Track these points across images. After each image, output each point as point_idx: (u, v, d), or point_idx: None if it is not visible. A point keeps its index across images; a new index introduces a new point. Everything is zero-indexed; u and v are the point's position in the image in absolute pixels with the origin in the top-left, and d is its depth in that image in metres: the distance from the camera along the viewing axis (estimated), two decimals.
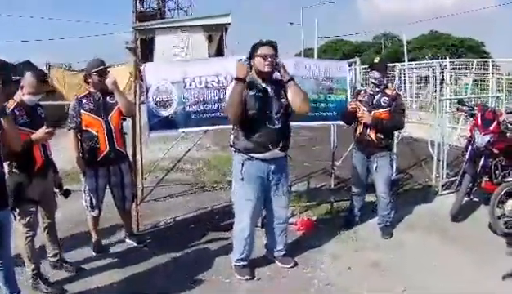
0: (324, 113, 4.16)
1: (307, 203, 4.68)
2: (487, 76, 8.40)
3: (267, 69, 2.89)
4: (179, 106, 3.71)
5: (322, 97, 4.12)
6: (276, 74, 2.95)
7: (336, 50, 39.33)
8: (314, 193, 5.17)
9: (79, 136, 3.34)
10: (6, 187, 2.45)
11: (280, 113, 2.93)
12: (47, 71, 14.03)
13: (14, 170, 2.77)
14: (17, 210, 2.77)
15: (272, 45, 2.92)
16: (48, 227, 3.12)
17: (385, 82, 3.85)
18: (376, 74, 3.73)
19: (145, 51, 17.70)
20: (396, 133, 5.16)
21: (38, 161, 2.85)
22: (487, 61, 9.76)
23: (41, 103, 3.04)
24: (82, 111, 3.29)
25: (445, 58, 11.30)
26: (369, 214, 4.18)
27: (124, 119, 3.50)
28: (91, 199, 3.41)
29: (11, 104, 2.74)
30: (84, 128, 3.30)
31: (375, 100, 3.72)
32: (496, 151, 4.06)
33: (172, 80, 3.70)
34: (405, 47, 11.41)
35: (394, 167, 5.68)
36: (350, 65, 4.75)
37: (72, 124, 3.31)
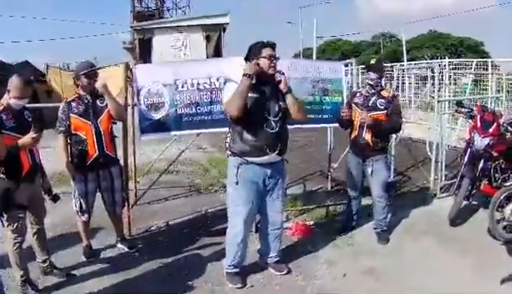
0: (319, 116, 4.11)
1: (303, 207, 4.61)
2: (486, 76, 8.34)
3: (271, 71, 2.85)
4: (171, 109, 3.66)
5: (317, 99, 4.07)
6: (276, 76, 2.88)
7: (335, 49, 39.25)
8: (310, 196, 5.10)
9: (69, 140, 3.28)
10: None
11: (279, 116, 2.87)
12: (45, 71, 14.01)
13: (1, 175, 2.71)
14: (5, 216, 2.72)
15: (273, 46, 2.88)
16: (37, 232, 3.07)
17: (382, 83, 3.79)
18: (372, 75, 3.67)
19: (143, 51, 17.61)
20: (393, 135, 5.11)
21: (25, 166, 2.80)
22: (486, 61, 9.68)
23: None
24: (71, 114, 3.22)
25: (444, 58, 11.24)
26: (365, 218, 4.12)
27: (115, 122, 3.43)
28: (80, 204, 3.35)
29: None
30: (73, 132, 3.23)
31: (370, 102, 3.65)
32: (495, 154, 4.00)
33: (164, 82, 3.65)
34: (404, 47, 11.34)
35: (392, 169, 5.64)
36: (346, 66, 4.69)
37: (61, 128, 3.25)
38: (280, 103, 2.89)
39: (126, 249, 3.62)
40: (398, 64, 10.25)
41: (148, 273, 3.22)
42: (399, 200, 4.86)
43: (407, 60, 11.86)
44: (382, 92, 3.70)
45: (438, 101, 5.34)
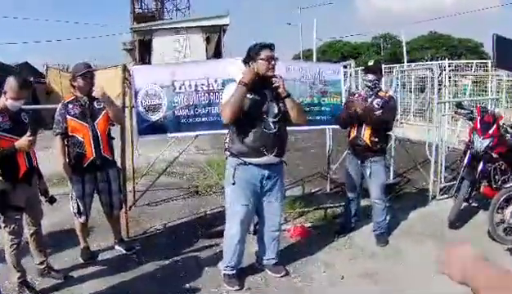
0: (318, 117, 4.10)
1: (302, 209, 4.59)
2: (486, 77, 8.31)
3: (270, 73, 2.83)
4: (169, 110, 3.65)
5: (316, 101, 4.05)
6: (274, 81, 2.87)
7: (335, 50, 39.27)
8: (309, 198, 5.07)
9: (66, 142, 3.26)
10: None
11: (278, 117, 2.86)
12: (44, 73, 14.03)
13: None
14: (1, 217, 2.72)
15: (271, 47, 2.87)
16: (34, 234, 3.05)
17: (381, 84, 3.78)
18: (371, 76, 3.66)
19: (143, 52, 17.66)
20: (393, 136, 5.09)
21: (21, 168, 2.79)
22: (486, 62, 9.65)
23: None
24: (68, 116, 3.20)
25: (444, 59, 11.21)
26: (364, 220, 4.10)
27: (113, 124, 3.42)
28: (78, 206, 3.33)
29: None
30: (70, 134, 3.22)
31: (367, 103, 3.64)
32: (495, 155, 3.98)
33: (162, 84, 3.64)
34: (404, 48, 11.30)
35: (391, 171, 5.63)
36: (345, 67, 4.67)
37: (58, 129, 3.23)
38: (280, 104, 2.88)
39: (124, 251, 3.60)
40: (398, 65, 10.22)
41: (146, 275, 3.20)
42: (398, 202, 4.84)
43: (407, 62, 11.83)
44: (379, 93, 3.69)
45: (438, 103, 5.32)
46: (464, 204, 4.16)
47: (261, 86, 2.86)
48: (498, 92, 7.24)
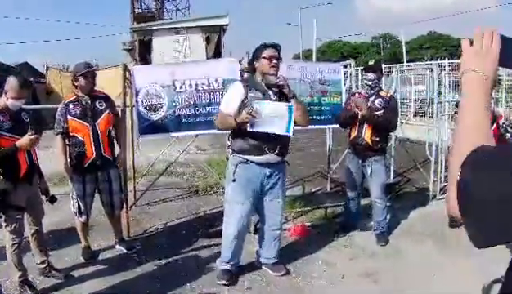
0: (318, 117, 4.10)
1: (302, 208, 4.60)
2: None
3: (272, 72, 2.84)
4: (169, 110, 3.65)
5: (316, 100, 4.06)
6: (279, 78, 2.87)
7: (335, 51, 39.31)
8: (309, 197, 5.08)
9: (67, 141, 3.26)
10: None
11: None
12: (44, 73, 14.05)
13: None
14: (3, 217, 2.72)
15: (276, 47, 2.88)
16: (35, 233, 3.05)
17: (381, 84, 3.79)
18: (371, 76, 3.67)
19: (143, 52, 17.66)
20: (393, 136, 5.10)
21: (22, 167, 2.79)
22: None
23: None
24: (68, 116, 3.21)
25: (444, 59, 11.21)
26: (364, 219, 4.10)
27: (114, 125, 3.42)
28: (79, 205, 3.34)
29: None
30: (71, 133, 3.22)
31: (369, 103, 3.65)
32: None
33: (162, 83, 3.64)
34: (403, 48, 11.32)
35: (391, 170, 5.63)
36: (345, 67, 4.68)
37: (59, 129, 3.24)
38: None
39: (124, 250, 3.60)
40: (398, 65, 10.22)
41: (146, 275, 3.20)
42: (398, 201, 4.84)
43: (407, 61, 11.84)
44: (380, 93, 3.71)
45: (438, 102, 5.33)
46: None
47: (264, 85, 2.87)
48: (498, 92, 7.25)
